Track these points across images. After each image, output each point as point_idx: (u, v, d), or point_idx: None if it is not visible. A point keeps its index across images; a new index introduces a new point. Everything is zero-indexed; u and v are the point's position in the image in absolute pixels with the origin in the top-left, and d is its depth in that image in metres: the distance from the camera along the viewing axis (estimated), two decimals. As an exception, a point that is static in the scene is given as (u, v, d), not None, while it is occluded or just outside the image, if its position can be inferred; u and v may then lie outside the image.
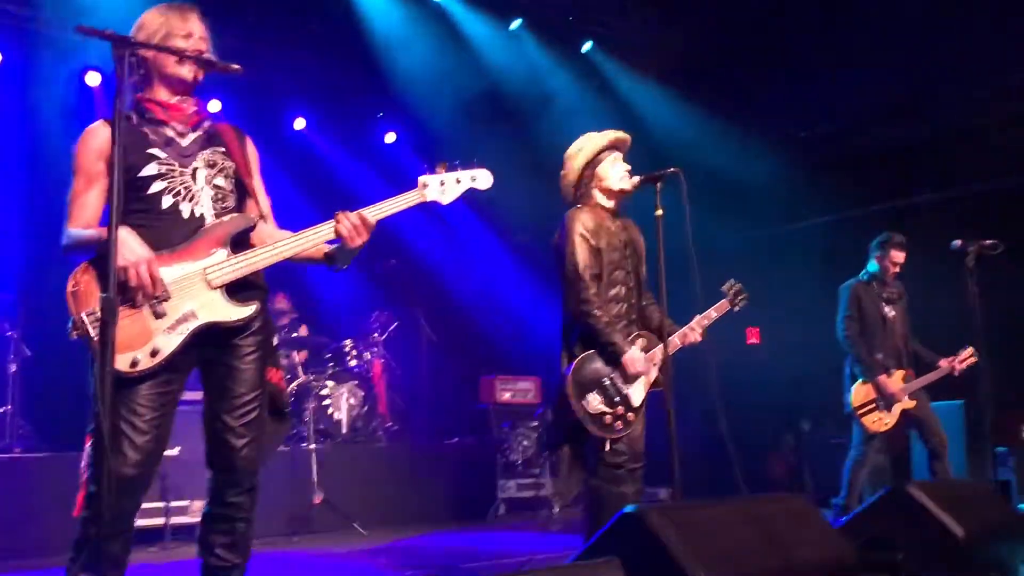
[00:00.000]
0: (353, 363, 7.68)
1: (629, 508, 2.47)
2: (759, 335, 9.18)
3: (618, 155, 4.10)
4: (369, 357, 7.78)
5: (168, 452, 5.78)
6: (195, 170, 2.76)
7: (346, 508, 6.38)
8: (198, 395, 6.41)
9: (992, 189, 7.72)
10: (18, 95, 7.32)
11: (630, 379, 3.87)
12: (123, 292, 2.53)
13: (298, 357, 7.54)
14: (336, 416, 7.18)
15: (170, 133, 2.77)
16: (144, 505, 5.66)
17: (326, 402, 7.16)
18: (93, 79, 7.50)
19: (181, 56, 2.70)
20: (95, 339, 2.50)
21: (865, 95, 7.95)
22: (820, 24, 7.53)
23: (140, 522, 5.63)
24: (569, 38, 8.57)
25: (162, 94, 2.79)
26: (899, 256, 5.92)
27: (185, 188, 2.73)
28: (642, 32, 8.47)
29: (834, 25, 7.48)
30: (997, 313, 5.59)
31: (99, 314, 2.47)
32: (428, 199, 2.91)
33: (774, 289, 8.34)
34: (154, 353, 2.57)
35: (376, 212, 2.80)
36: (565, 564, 2.48)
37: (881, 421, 5.72)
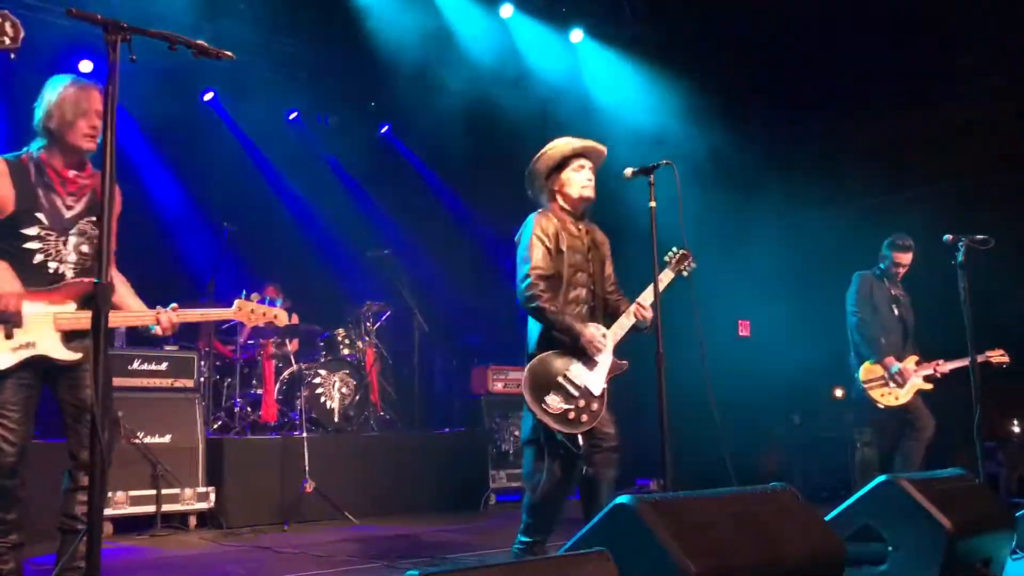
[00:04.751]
0: (346, 352, 7.67)
1: (621, 499, 2.48)
2: (749, 328, 9.19)
3: (585, 163, 4.14)
4: (362, 346, 7.77)
5: (159, 440, 5.83)
6: (67, 238, 3.35)
7: (337, 497, 6.39)
8: (189, 382, 6.36)
9: (982, 184, 7.73)
10: (7, 83, 7.27)
11: (587, 369, 3.90)
12: None
13: (290, 346, 7.53)
14: (328, 405, 7.19)
15: (59, 203, 3.33)
16: (135, 493, 5.69)
17: (318, 391, 7.17)
18: (85, 66, 7.45)
19: (173, 41, 2.66)
20: None
21: (858, 87, 7.95)
22: (813, 14, 7.53)
23: (131, 510, 5.67)
24: (559, 25, 8.56)
25: (59, 162, 3.32)
26: (901, 258, 5.95)
27: (56, 251, 3.34)
28: (632, 20, 8.46)
29: (827, 16, 7.47)
30: (986, 307, 5.61)
31: None
32: (234, 320, 3.66)
33: (765, 282, 8.37)
34: None
35: (188, 316, 3.49)
36: (556, 555, 2.48)
37: (891, 394, 5.73)
